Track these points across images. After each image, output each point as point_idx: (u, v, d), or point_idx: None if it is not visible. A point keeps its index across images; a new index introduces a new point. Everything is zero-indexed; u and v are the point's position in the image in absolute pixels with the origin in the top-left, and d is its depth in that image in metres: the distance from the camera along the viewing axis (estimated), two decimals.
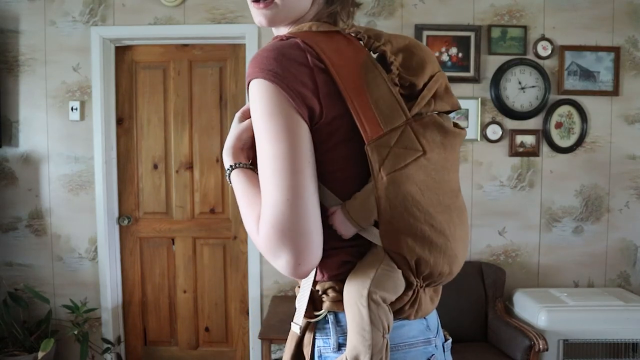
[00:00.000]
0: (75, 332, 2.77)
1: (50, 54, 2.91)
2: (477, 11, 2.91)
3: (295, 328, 0.88)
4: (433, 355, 0.87)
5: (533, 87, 2.90)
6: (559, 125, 2.93)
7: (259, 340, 2.65)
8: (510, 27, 2.90)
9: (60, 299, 2.96)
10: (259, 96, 0.76)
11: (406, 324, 0.85)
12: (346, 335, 0.82)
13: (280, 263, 0.75)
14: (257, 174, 0.85)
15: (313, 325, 0.87)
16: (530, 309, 2.62)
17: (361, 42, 0.84)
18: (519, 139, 2.94)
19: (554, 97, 2.93)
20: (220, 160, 3.05)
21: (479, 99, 2.90)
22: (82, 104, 2.92)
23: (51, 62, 2.91)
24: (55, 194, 2.96)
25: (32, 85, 2.92)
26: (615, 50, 2.91)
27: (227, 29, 2.91)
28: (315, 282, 0.86)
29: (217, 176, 3.07)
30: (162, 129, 3.06)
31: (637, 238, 3.01)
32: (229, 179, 0.88)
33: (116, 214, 3.07)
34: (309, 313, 0.86)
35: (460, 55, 2.90)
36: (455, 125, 0.87)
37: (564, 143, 2.94)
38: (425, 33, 2.88)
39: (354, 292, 0.79)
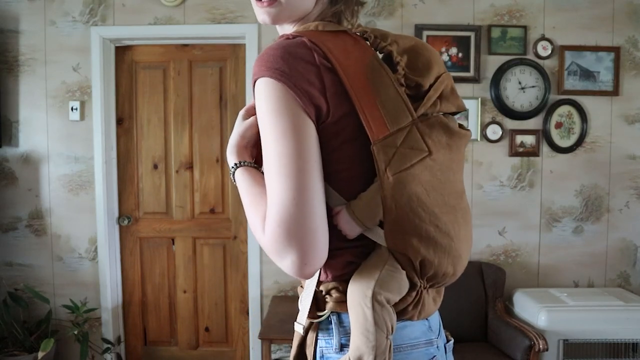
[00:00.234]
0: (75, 332, 2.77)
1: (50, 54, 2.91)
2: (477, 11, 2.91)
3: (299, 328, 0.88)
4: (435, 356, 0.86)
5: (533, 87, 2.90)
6: (559, 125, 2.93)
7: (259, 340, 2.64)
8: (510, 27, 2.90)
9: (60, 299, 2.96)
10: (266, 95, 0.76)
11: (409, 325, 0.84)
12: (349, 336, 0.82)
13: (286, 263, 0.74)
14: (262, 172, 0.85)
15: (316, 326, 0.87)
16: (530, 309, 2.62)
17: (367, 42, 0.83)
18: (519, 139, 2.94)
19: (554, 97, 2.93)
20: (220, 160, 3.05)
21: (479, 99, 2.90)
22: (82, 104, 2.92)
23: (51, 62, 2.91)
24: (55, 194, 2.96)
25: (32, 85, 2.92)
26: (615, 50, 2.91)
27: (227, 29, 2.91)
28: (319, 283, 0.86)
29: (217, 176, 3.07)
30: (162, 129, 3.06)
31: (637, 238, 3.01)
32: (233, 178, 0.87)
33: (116, 214, 3.07)
34: (312, 313, 0.86)
35: (460, 55, 2.90)
36: (461, 126, 0.87)
37: (564, 143, 2.94)
38: (425, 33, 2.88)
39: (358, 293, 0.79)
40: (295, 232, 0.72)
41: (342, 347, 0.84)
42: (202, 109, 3.04)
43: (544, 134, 2.94)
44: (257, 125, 0.87)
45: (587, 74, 2.92)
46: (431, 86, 0.82)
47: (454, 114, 0.88)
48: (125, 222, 3.07)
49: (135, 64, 3.04)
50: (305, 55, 0.76)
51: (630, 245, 3.01)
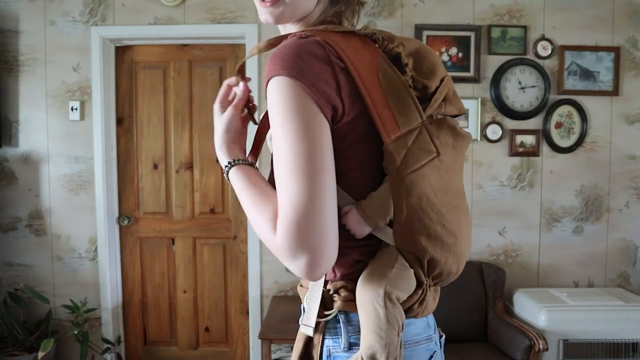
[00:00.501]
0: (75, 332, 2.77)
1: (50, 54, 2.91)
2: (477, 11, 2.91)
3: (307, 330, 0.87)
4: (435, 352, 0.89)
5: (533, 87, 2.90)
6: (559, 125, 2.93)
7: (259, 340, 2.64)
8: (510, 27, 2.90)
9: (60, 299, 2.96)
10: (281, 94, 0.74)
11: (412, 322, 0.86)
12: (357, 335, 0.82)
13: (299, 264, 0.72)
14: (255, 168, 0.85)
15: (323, 325, 0.86)
16: (530, 309, 2.62)
17: (376, 44, 0.84)
18: (519, 139, 2.94)
19: (554, 97, 2.93)
20: None
21: (479, 99, 2.90)
22: (82, 104, 2.92)
23: (51, 62, 2.91)
24: (55, 194, 2.96)
25: (32, 85, 2.92)
26: (615, 50, 2.91)
27: (227, 29, 2.91)
28: (325, 282, 0.86)
29: (217, 176, 3.07)
30: (162, 129, 3.06)
31: (637, 238, 3.01)
32: (227, 177, 0.86)
33: (116, 214, 3.07)
34: (319, 313, 0.86)
35: (460, 55, 2.90)
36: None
37: (564, 143, 2.94)
38: (425, 33, 2.88)
39: (370, 291, 0.80)
40: (310, 233, 0.71)
41: (351, 345, 0.84)
42: (202, 109, 3.04)
43: (544, 134, 2.94)
44: (238, 116, 0.88)
45: (587, 74, 2.92)
46: (437, 89, 0.84)
47: (455, 116, 0.90)
48: (125, 222, 3.07)
49: (135, 64, 3.04)
50: (321, 55, 0.76)
51: (630, 245, 3.01)
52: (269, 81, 0.77)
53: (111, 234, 3.01)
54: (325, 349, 0.86)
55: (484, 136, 2.93)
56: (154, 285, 3.12)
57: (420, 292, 0.85)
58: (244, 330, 3.11)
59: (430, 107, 0.82)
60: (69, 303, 2.88)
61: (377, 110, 0.78)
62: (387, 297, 0.79)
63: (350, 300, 0.83)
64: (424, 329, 0.88)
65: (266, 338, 2.46)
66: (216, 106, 0.91)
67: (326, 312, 0.86)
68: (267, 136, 0.93)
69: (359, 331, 0.82)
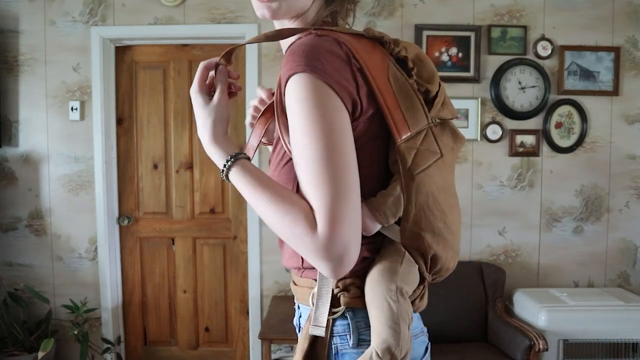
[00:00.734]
0: (75, 332, 2.77)
1: (50, 54, 2.91)
2: (477, 11, 2.91)
3: (318, 331, 0.85)
4: (428, 344, 0.93)
5: (533, 87, 2.90)
6: (559, 125, 2.93)
7: (259, 340, 2.64)
8: (510, 27, 2.90)
9: (60, 299, 2.96)
10: (305, 90, 0.74)
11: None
12: (365, 330, 0.84)
13: (335, 262, 0.71)
14: (250, 162, 0.83)
15: (329, 323, 0.86)
16: (530, 309, 2.62)
17: (384, 47, 0.85)
18: (519, 139, 2.94)
19: (554, 97, 2.93)
20: None
21: (479, 99, 2.90)
22: (82, 104, 2.92)
23: (51, 62, 2.91)
24: (55, 194, 2.96)
25: (32, 85, 2.92)
26: (615, 50, 2.91)
27: (227, 29, 2.91)
28: (338, 280, 0.86)
29: (217, 176, 3.07)
30: (162, 129, 3.06)
31: (637, 238, 3.01)
32: (226, 175, 0.80)
33: (116, 214, 3.07)
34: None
35: (460, 55, 2.90)
36: None
37: (564, 143, 2.94)
38: (425, 33, 2.88)
39: (382, 287, 0.81)
40: (348, 230, 0.71)
41: (360, 342, 0.84)
42: None
43: (544, 134, 2.94)
44: (225, 102, 0.85)
45: (587, 74, 2.92)
46: (437, 93, 0.87)
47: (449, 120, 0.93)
48: (125, 222, 3.07)
49: (135, 64, 3.04)
50: (341, 54, 0.77)
51: (630, 245, 3.01)
52: (289, 78, 0.76)
53: (111, 234, 3.01)
54: (333, 346, 0.86)
55: (484, 136, 2.93)
56: (154, 285, 3.12)
57: (422, 287, 0.89)
58: (244, 330, 3.11)
59: (433, 110, 0.85)
60: (69, 303, 2.88)
61: (390, 111, 0.79)
62: (400, 292, 0.81)
63: (358, 297, 0.84)
64: (418, 323, 0.92)
65: (266, 338, 2.46)
66: (196, 93, 0.84)
67: (334, 310, 0.86)
68: (275, 134, 0.91)
69: (367, 327, 0.83)
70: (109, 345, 2.93)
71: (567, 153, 2.96)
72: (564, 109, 2.93)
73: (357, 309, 0.85)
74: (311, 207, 0.72)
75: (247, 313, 3.07)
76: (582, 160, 2.97)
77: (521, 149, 2.94)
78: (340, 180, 0.72)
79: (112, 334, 2.99)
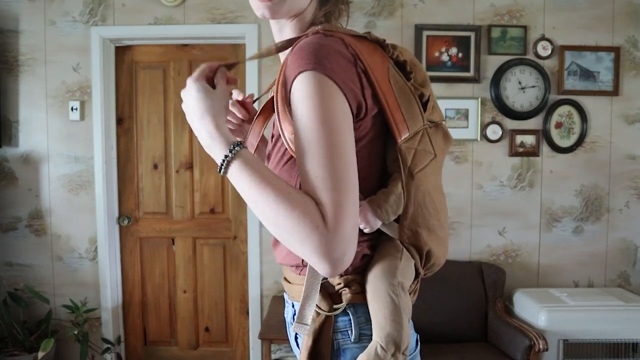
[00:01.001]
0: (75, 332, 2.77)
1: (50, 54, 2.91)
2: (477, 11, 2.91)
3: (304, 329, 0.84)
4: (418, 335, 0.97)
5: (533, 87, 2.90)
6: (559, 125, 2.93)
7: (259, 340, 2.64)
8: (510, 27, 2.90)
9: (60, 299, 2.96)
10: (314, 87, 0.74)
11: None
12: (366, 325, 0.85)
13: (338, 259, 0.71)
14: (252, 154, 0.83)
15: (330, 319, 0.87)
16: (530, 309, 2.62)
17: (384, 50, 0.87)
18: (519, 139, 2.94)
19: (554, 97, 2.93)
20: None
21: (479, 99, 2.90)
22: (82, 104, 2.92)
23: (51, 62, 2.91)
24: (55, 194, 2.96)
25: (32, 85, 2.92)
26: (615, 50, 2.91)
27: (227, 29, 2.91)
28: (340, 276, 0.88)
29: (217, 176, 3.07)
30: (162, 129, 3.06)
31: (637, 238, 3.01)
32: (226, 169, 0.76)
33: (116, 214, 3.07)
34: (327, 307, 0.87)
35: (460, 55, 2.90)
36: None
37: (564, 143, 2.94)
38: (425, 33, 2.88)
39: (384, 283, 0.84)
40: (352, 227, 0.73)
41: (361, 337, 0.86)
42: None
43: (544, 134, 2.94)
44: (227, 94, 0.84)
45: (587, 74, 2.92)
46: (429, 97, 0.91)
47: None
48: (125, 222, 3.07)
49: (135, 64, 3.04)
50: (347, 55, 0.79)
51: (630, 245, 3.01)
52: (297, 75, 0.75)
53: (111, 234, 3.01)
54: (334, 342, 0.87)
55: (484, 136, 2.93)
56: (154, 285, 3.12)
57: (416, 282, 0.92)
58: (244, 330, 3.11)
59: (426, 113, 0.88)
60: (69, 303, 2.88)
61: (391, 112, 0.82)
62: (401, 287, 0.84)
63: (359, 293, 0.86)
64: None
65: (266, 338, 2.46)
66: (199, 81, 0.81)
67: (335, 306, 0.87)
68: (274, 131, 0.92)
69: (367, 322, 0.85)
70: (109, 345, 2.93)
71: (567, 153, 2.96)
72: (564, 109, 2.93)
73: (358, 305, 0.86)
74: (317, 202, 0.72)
75: (247, 313, 3.07)
76: (582, 160, 2.97)
77: (521, 149, 2.94)
78: (345, 178, 0.73)
79: (112, 334, 2.99)
